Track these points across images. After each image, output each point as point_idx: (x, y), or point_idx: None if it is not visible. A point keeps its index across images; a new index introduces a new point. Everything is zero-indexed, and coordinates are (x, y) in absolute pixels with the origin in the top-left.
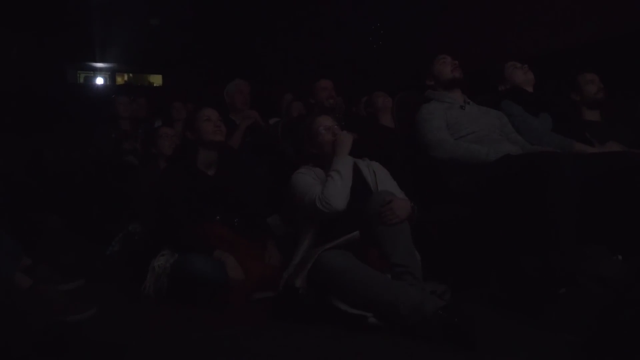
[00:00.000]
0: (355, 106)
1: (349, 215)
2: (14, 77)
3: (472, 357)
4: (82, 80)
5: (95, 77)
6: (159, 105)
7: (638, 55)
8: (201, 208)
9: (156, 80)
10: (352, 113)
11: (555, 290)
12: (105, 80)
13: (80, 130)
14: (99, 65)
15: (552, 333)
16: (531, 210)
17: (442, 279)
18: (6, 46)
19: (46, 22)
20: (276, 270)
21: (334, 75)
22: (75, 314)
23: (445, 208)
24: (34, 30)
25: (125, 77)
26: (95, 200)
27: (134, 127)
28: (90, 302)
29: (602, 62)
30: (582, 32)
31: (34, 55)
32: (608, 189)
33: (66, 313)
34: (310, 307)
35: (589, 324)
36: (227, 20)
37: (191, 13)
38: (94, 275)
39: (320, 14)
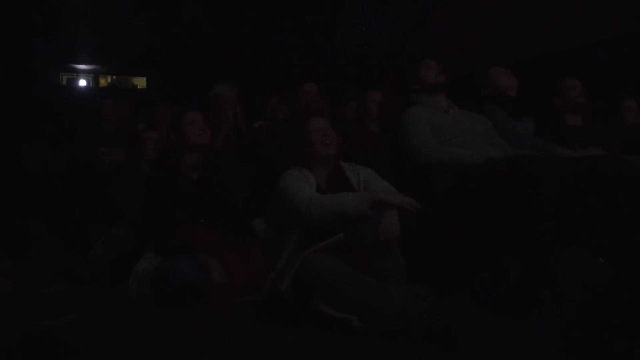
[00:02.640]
0: (340, 110)
1: None
2: None
3: (456, 359)
4: (64, 82)
5: (78, 79)
6: (143, 107)
7: (619, 61)
8: (185, 211)
9: (140, 82)
10: (338, 117)
11: (537, 293)
12: (88, 83)
13: (63, 132)
14: (82, 67)
15: (534, 335)
16: (514, 214)
17: (426, 281)
18: None
19: (28, 23)
20: (261, 273)
21: (319, 78)
22: (57, 319)
23: (430, 211)
24: (15, 32)
25: (109, 79)
26: (78, 203)
27: (117, 130)
28: (72, 306)
29: (584, 67)
30: (565, 38)
31: (15, 57)
32: (589, 192)
33: (47, 317)
34: (294, 310)
35: (571, 326)
36: (212, 23)
37: (176, 15)
38: (76, 279)
39: (306, 18)
